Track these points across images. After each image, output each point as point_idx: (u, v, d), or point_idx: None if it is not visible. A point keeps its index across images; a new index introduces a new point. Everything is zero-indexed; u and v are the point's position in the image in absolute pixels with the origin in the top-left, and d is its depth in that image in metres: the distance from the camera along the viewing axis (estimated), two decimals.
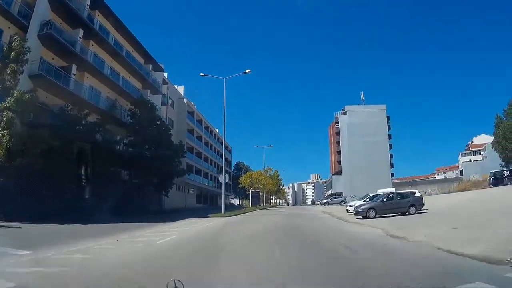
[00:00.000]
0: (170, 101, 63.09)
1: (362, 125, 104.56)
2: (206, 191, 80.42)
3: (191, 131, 69.25)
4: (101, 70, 39.57)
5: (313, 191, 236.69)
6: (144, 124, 41.35)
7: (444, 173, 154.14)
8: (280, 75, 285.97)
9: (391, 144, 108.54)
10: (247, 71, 42.57)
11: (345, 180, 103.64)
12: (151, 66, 52.33)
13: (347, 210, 32.39)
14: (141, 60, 50.69)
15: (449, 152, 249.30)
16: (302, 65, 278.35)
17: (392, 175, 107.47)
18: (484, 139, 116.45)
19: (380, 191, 37.17)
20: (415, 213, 24.55)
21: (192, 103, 71.72)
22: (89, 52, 37.47)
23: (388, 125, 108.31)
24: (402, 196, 25.34)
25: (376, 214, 24.10)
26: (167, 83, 60.85)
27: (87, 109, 34.29)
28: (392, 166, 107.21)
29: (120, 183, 39.18)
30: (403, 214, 24.46)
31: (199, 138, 74.06)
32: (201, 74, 45.34)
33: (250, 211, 46.56)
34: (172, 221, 27.86)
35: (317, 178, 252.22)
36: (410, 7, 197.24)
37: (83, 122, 32.78)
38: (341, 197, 63.44)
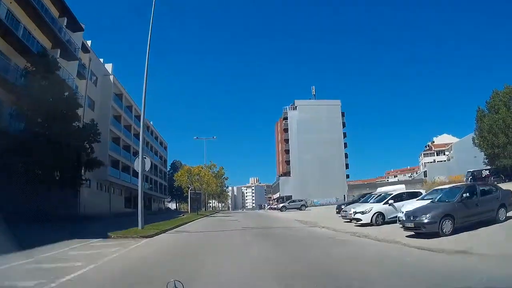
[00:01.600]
0: (93, 78, 48.97)
1: (314, 121, 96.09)
2: (137, 192, 66.01)
3: (117, 118, 55.22)
4: None
5: (253, 195, 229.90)
6: (43, 89, 27.61)
7: (395, 176, 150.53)
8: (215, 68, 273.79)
9: (346, 143, 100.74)
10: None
11: (295, 182, 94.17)
12: (66, 20, 38.19)
13: (343, 216, 22.31)
14: (55, 12, 36.76)
15: (403, 154, 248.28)
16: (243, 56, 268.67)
17: (348, 176, 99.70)
18: (447, 139, 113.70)
19: (383, 190, 27.09)
20: (505, 219, 13.94)
21: (121, 86, 57.72)
22: None
23: (343, 122, 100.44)
24: (486, 191, 14.18)
25: (453, 225, 12.59)
26: (88, 52, 46.66)
27: None
28: (347, 166, 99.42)
29: (13, 175, 25.37)
30: (490, 222, 13.55)
31: (128, 128, 60.05)
32: None
33: (189, 221, 29.05)
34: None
35: (256, 181, 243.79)
36: None
37: None
38: (301, 201, 53.00)
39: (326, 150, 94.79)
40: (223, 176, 65.57)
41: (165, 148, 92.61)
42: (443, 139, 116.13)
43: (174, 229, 21.32)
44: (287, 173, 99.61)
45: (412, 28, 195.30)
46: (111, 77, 53.26)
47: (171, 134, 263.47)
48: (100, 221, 29.52)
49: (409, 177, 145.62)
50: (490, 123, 52.00)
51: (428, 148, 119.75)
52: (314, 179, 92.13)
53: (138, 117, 66.04)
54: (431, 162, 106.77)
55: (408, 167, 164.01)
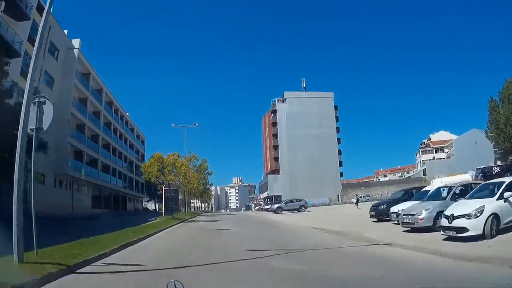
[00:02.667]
0: (56, 53, 40.49)
1: (304, 114, 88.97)
2: (108, 190, 57.74)
3: (83, 101, 46.58)
4: None
5: (237, 195, 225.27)
6: None
7: (385, 176, 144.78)
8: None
9: (340, 139, 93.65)
10: None
11: (284, 181, 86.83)
12: None
13: (403, 223, 13.80)
14: None
15: (392, 153, 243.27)
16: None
17: (342, 175, 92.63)
18: (444, 135, 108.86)
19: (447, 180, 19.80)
20: None
21: (90, 64, 49.08)
22: None
23: (336, 116, 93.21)
24: None
25: None
26: (43, 10, 37.94)
27: None
28: (341, 164, 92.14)
29: None
30: None
31: (96, 115, 51.46)
32: None
33: (153, 232, 18.24)
34: None
35: (240, 181, 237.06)
36: None
37: None
38: (300, 201, 45.10)
39: (318, 146, 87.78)
40: (207, 171, 53.82)
41: (143, 142, 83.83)
42: (440, 136, 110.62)
43: (99, 261, 9.32)
44: (275, 171, 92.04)
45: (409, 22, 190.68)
46: (76, 52, 44.57)
47: (148, 129, 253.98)
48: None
49: (399, 176, 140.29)
50: (507, 114, 45.33)
51: (424, 145, 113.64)
52: (305, 177, 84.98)
53: (110, 104, 57.76)
54: (430, 160, 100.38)
55: (399, 166, 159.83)
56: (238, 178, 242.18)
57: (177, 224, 25.86)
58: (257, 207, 74.90)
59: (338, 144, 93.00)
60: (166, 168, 33.51)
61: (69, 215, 36.97)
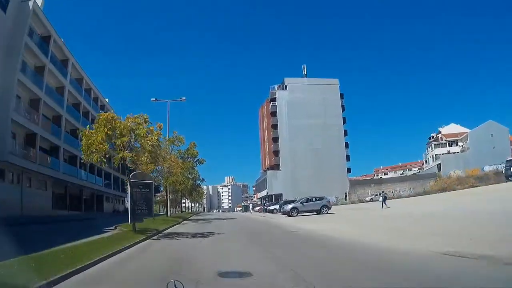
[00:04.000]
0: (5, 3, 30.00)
1: (307, 103, 79.33)
2: (78, 188, 47.14)
3: (39, 70, 35.84)
4: None
5: (230, 195, 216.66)
6: None
7: (385, 174, 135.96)
8: None
9: (346, 130, 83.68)
10: None
11: (286, 177, 76.97)
12: None
13: None
14: None
15: (392, 151, 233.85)
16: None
17: (349, 171, 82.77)
18: (455, 129, 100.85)
19: None
20: None
21: (50, 24, 38.26)
22: None
23: (342, 105, 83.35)
24: None
25: None
26: None
27: None
28: (348, 158, 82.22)
29: None
30: None
31: (60, 91, 40.76)
32: None
33: None
34: None
35: (232, 181, 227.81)
36: None
37: None
38: (321, 199, 34.32)
39: (323, 139, 78.00)
40: (197, 158, 38.13)
41: None
42: (451, 129, 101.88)
43: None
44: (275, 166, 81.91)
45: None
46: (31, 4, 33.65)
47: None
48: None
49: (400, 174, 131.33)
50: None
51: (433, 139, 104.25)
52: (309, 173, 75.21)
53: (79, 81, 47.21)
54: (444, 154, 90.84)
55: (400, 163, 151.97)
56: (231, 177, 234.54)
57: (123, 249, 12.12)
58: (257, 208, 63.79)
59: (344, 136, 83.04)
60: (118, 137, 18.37)
61: (14, 218, 26.13)
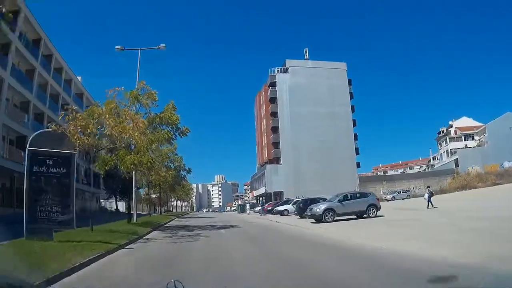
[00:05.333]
0: None
1: (311, 88, 69.76)
2: (23, 179, 36.46)
3: None
4: None
5: (220, 193, 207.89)
6: None
7: (385, 172, 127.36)
8: None
9: (355, 120, 74.00)
10: None
11: (287, 172, 67.27)
12: None
13: None
14: None
15: (391, 150, 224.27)
16: None
17: (358, 165, 73.62)
18: (468, 122, 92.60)
19: None
20: None
21: None
22: None
23: (350, 92, 73.87)
24: None
25: None
26: None
27: None
28: (357, 152, 72.84)
29: None
30: None
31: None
32: None
33: None
34: None
35: (222, 179, 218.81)
36: None
37: None
38: (367, 196, 22.82)
39: (329, 129, 68.44)
40: (177, 129, 21.44)
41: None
42: (464, 122, 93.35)
43: None
44: (274, 160, 71.97)
45: None
46: None
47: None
48: None
49: (401, 172, 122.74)
50: None
51: (443, 133, 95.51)
52: (314, 168, 65.58)
53: (36, 42, 36.98)
54: (461, 149, 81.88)
55: (400, 161, 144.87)
56: (221, 176, 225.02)
57: None
58: (257, 208, 51.92)
59: (353, 127, 73.39)
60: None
61: None
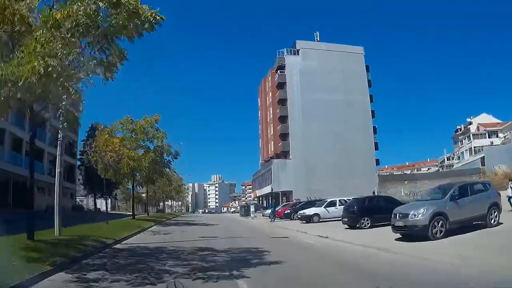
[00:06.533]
0: None
1: (325, 73, 61.00)
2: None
3: None
4: None
5: (217, 193, 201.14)
6: None
7: (390, 174, 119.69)
8: None
9: (374, 111, 65.28)
10: None
11: (299, 167, 58.58)
12: None
13: None
14: None
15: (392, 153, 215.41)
16: None
17: (378, 162, 65.36)
18: (489, 119, 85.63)
19: None
20: None
21: None
22: None
23: (368, 80, 65.21)
24: None
25: None
26: None
27: None
28: (376, 147, 64.07)
29: None
30: None
31: None
32: None
33: None
34: None
35: (219, 179, 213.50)
36: None
37: None
38: (487, 188, 13.19)
39: (345, 120, 59.83)
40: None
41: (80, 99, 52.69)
42: (485, 119, 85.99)
43: None
44: (282, 154, 63.13)
45: None
46: None
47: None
48: None
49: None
50: None
51: (460, 132, 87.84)
52: (327, 164, 56.84)
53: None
54: (487, 146, 73.66)
55: (407, 163, 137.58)
56: (218, 175, 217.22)
57: None
58: (267, 212, 39.76)
59: (372, 118, 64.78)
60: None
61: None
